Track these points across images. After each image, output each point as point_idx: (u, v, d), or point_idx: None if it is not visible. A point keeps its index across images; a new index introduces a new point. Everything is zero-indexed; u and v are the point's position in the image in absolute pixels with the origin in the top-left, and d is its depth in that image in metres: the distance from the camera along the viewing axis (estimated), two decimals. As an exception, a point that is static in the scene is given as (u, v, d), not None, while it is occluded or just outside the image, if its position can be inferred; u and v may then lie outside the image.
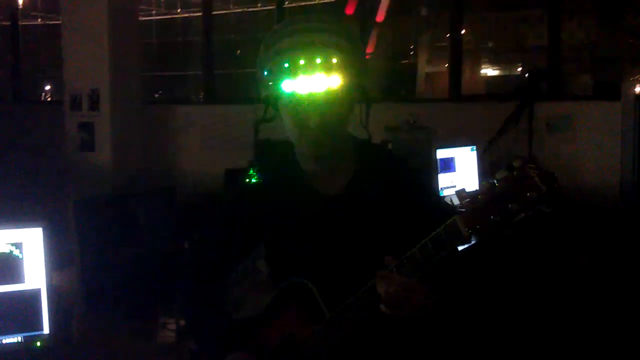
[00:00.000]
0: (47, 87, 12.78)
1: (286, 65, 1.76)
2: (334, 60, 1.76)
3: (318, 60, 1.75)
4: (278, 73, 1.78)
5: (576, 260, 4.27)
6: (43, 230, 2.25)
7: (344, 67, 1.78)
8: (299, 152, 1.96)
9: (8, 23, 9.30)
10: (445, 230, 1.64)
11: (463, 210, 1.62)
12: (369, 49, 8.73)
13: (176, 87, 12.69)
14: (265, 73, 1.83)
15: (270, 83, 1.82)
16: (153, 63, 11.76)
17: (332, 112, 1.82)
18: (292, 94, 1.79)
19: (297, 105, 1.82)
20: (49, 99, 12.33)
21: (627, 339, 3.63)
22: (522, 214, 1.54)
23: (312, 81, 1.76)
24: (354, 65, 1.81)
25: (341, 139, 1.92)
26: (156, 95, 11.38)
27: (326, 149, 1.87)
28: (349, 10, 8.04)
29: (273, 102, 1.91)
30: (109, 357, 2.44)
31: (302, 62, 1.75)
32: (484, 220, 1.57)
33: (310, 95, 1.78)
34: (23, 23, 9.92)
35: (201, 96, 8.80)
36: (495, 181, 1.58)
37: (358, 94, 1.90)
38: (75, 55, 6.90)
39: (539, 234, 3.97)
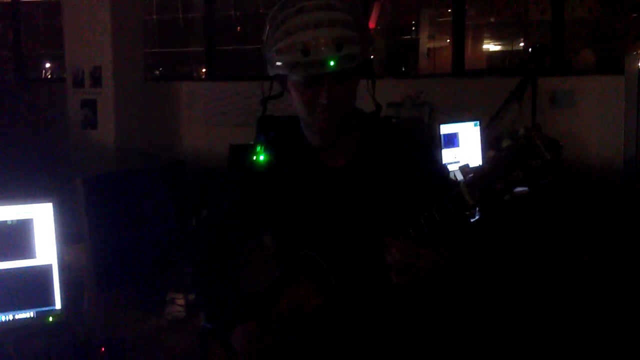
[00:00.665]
0: (47, 65, 12.73)
1: (296, 46, 1.77)
2: (344, 38, 1.77)
3: (329, 39, 1.76)
4: (289, 53, 1.79)
5: (580, 236, 4.29)
6: (53, 205, 2.26)
7: (353, 44, 1.78)
8: (307, 127, 1.97)
9: (9, 0, 9.26)
10: (451, 199, 1.66)
11: (469, 179, 1.63)
12: (371, 25, 8.69)
13: (177, 64, 12.64)
14: (275, 52, 1.82)
15: (280, 63, 1.82)
16: (153, 40, 11.71)
17: (342, 89, 1.84)
18: (303, 73, 1.80)
19: (309, 84, 1.83)
20: (49, 77, 12.30)
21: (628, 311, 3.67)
22: (527, 189, 1.56)
23: (324, 60, 1.76)
24: (362, 42, 1.82)
25: (349, 114, 1.94)
26: (157, 72, 11.34)
27: (335, 124, 1.89)
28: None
29: (281, 79, 1.93)
30: (119, 332, 2.46)
31: (313, 41, 1.75)
32: (489, 188, 1.59)
33: (321, 74, 1.79)
34: (23, 0, 9.86)
35: (202, 72, 8.79)
36: (500, 150, 1.59)
37: (365, 69, 1.92)
38: (77, 32, 6.88)
39: (543, 206, 3.99)
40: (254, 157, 2.04)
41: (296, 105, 1.91)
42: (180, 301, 2.74)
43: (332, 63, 1.76)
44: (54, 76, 12.08)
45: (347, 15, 1.80)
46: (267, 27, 1.87)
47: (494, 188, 1.57)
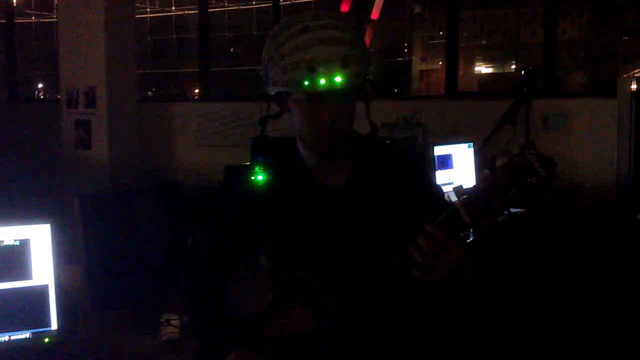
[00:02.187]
0: (40, 85, 12.75)
1: (303, 63, 1.78)
2: (349, 56, 1.78)
3: (335, 56, 1.77)
4: (294, 71, 1.79)
5: (573, 258, 4.30)
6: (51, 226, 2.25)
7: (357, 62, 1.80)
8: (307, 147, 1.97)
9: (3, 21, 9.28)
10: (447, 217, 1.66)
11: (465, 198, 1.64)
12: (364, 47, 8.73)
13: (170, 85, 12.68)
14: (280, 69, 1.83)
15: (285, 80, 1.83)
16: (147, 60, 11.76)
17: (346, 107, 1.85)
18: (310, 92, 1.81)
19: (314, 102, 1.83)
20: (41, 97, 12.32)
21: (621, 331, 3.67)
22: (524, 210, 1.57)
23: (329, 78, 1.77)
24: (364, 60, 1.84)
25: (349, 133, 1.95)
26: (149, 93, 11.37)
27: (340, 143, 1.89)
28: (344, 7, 8.02)
29: (280, 99, 1.93)
30: (114, 352, 2.45)
31: (318, 59, 1.77)
32: (485, 207, 1.59)
33: (327, 92, 1.80)
34: (17, 21, 9.89)
35: (196, 93, 8.81)
36: (495, 169, 1.60)
37: (361, 90, 1.93)
38: (72, 53, 6.90)
39: (537, 229, 3.99)
40: (252, 178, 2.04)
41: (298, 124, 1.92)
42: (176, 322, 2.73)
43: (338, 80, 1.77)
44: (47, 96, 12.09)
45: (350, 34, 1.82)
46: (269, 46, 1.88)
47: (490, 206, 1.59)
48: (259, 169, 2.04)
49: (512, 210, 1.64)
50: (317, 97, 1.82)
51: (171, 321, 2.75)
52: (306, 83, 1.78)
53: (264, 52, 1.91)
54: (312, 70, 1.77)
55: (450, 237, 1.68)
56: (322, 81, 1.77)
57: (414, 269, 1.72)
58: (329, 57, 1.77)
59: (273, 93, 1.90)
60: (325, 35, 1.79)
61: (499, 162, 1.60)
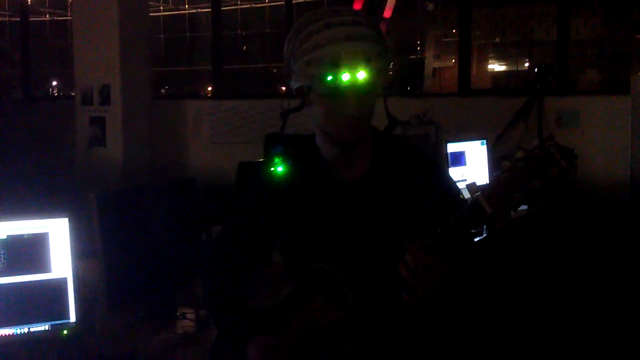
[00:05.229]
0: (54, 83, 12.80)
1: (327, 58, 1.81)
2: (371, 51, 1.82)
3: (358, 52, 1.80)
4: (317, 66, 1.82)
5: (588, 256, 4.29)
6: (69, 220, 2.28)
7: (379, 58, 1.83)
8: (328, 140, 1.99)
9: (17, 19, 9.34)
10: (469, 208, 1.67)
11: (486, 188, 1.65)
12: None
13: (183, 83, 12.71)
14: (304, 64, 1.86)
15: (309, 74, 1.86)
16: (161, 58, 11.78)
17: (367, 99, 1.88)
18: (333, 85, 1.83)
19: (337, 97, 1.86)
20: (55, 95, 12.37)
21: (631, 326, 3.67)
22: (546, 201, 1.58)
23: (353, 74, 1.81)
24: (386, 56, 1.86)
25: (369, 127, 1.97)
26: (162, 91, 11.39)
27: (360, 135, 1.92)
28: (357, 5, 8.04)
29: (306, 92, 1.95)
30: (130, 346, 2.46)
31: (343, 54, 1.80)
32: (506, 198, 1.60)
33: (350, 85, 1.82)
34: (32, 19, 9.95)
35: (209, 91, 8.85)
36: (516, 160, 1.61)
37: (385, 83, 1.96)
38: (86, 50, 6.94)
39: (553, 226, 3.99)
40: (272, 169, 2.06)
41: (320, 118, 1.94)
42: (191, 316, 2.75)
43: (361, 76, 1.81)
44: (61, 94, 12.15)
45: (372, 30, 1.85)
46: (292, 41, 1.90)
47: (512, 197, 1.60)
48: (279, 161, 2.05)
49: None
50: (340, 91, 1.84)
51: (187, 315, 2.77)
52: (329, 78, 1.82)
53: (285, 47, 1.94)
54: (335, 66, 1.80)
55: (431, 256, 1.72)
56: (346, 76, 1.81)
57: (403, 289, 1.76)
58: (352, 53, 1.80)
59: (295, 87, 1.93)
60: (349, 31, 1.82)
61: (518, 154, 1.61)
